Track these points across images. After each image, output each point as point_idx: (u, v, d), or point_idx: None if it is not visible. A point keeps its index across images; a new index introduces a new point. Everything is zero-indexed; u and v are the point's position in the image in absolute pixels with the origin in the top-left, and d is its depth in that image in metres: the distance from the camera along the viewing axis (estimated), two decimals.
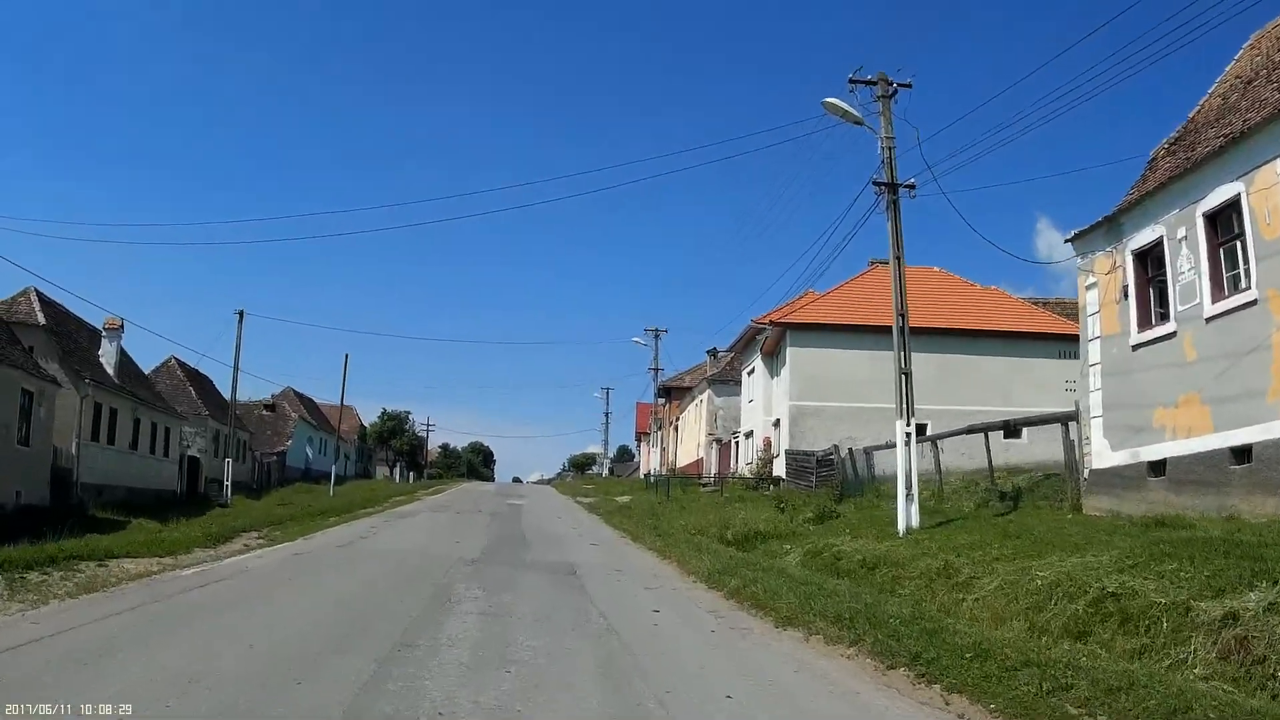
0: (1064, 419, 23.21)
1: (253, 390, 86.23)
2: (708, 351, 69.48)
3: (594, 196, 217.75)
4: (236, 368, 53.64)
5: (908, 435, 21.72)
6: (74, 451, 36.27)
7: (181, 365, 61.39)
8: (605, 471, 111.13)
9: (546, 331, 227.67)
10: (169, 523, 30.97)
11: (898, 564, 16.72)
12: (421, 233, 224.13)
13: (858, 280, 46.01)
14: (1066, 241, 22.94)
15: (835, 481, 33.84)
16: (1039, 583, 12.33)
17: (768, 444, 46.59)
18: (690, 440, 67.73)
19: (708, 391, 61.32)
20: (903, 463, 21.27)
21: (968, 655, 9.31)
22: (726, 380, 60.57)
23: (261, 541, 21.39)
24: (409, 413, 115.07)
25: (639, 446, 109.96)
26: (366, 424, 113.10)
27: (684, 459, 69.21)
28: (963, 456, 31.59)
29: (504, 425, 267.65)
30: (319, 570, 16.03)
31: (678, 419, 75.29)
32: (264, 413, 79.63)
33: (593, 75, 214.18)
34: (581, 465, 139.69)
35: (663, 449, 72.08)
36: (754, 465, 47.25)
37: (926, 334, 40.51)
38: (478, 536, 23.52)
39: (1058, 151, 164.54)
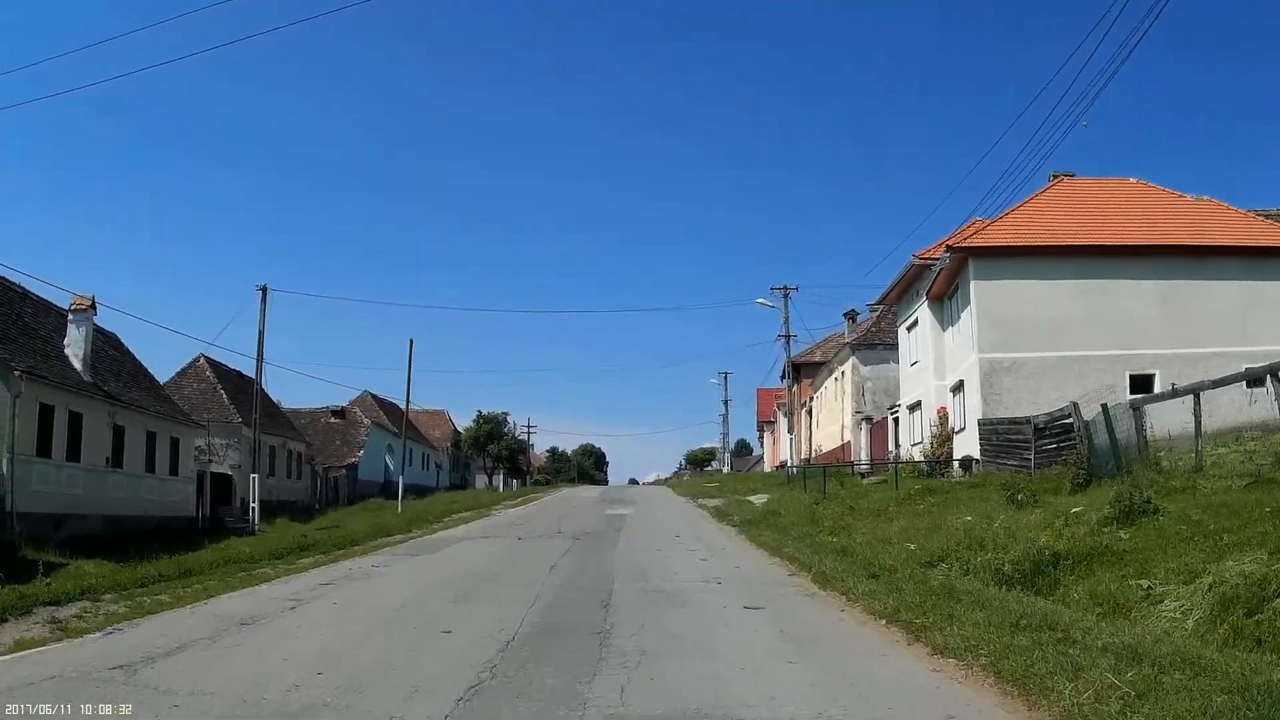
0: None
1: (329, 398, 76.51)
2: (845, 315, 57.87)
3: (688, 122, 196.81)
4: (260, 357, 43.55)
5: None
6: (3, 470, 26.31)
7: (213, 365, 51.65)
8: (725, 467, 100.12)
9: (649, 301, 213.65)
10: (138, 563, 20.89)
11: None
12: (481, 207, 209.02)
13: (1040, 198, 35.36)
14: None
15: (1078, 457, 22.27)
16: None
17: (944, 415, 35.15)
18: (830, 422, 55.99)
19: (851, 360, 49.52)
20: None
21: None
22: (874, 344, 48.89)
23: (48, 634, 10.59)
24: (507, 414, 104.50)
25: (761, 438, 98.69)
26: (462, 429, 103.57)
27: (822, 445, 57.59)
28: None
29: (615, 424, 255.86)
30: None
31: (811, 399, 63.66)
32: (332, 420, 70.15)
33: None
34: (699, 461, 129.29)
35: (793, 434, 60.00)
36: (926, 444, 35.79)
37: (1139, 253, 31.20)
38: (514, 601, 12.42)
39: None
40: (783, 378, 68.10)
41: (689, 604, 12.23)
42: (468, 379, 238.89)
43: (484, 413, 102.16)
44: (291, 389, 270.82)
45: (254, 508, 40.85)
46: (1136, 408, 21.46)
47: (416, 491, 67.45)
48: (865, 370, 48.83)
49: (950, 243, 32.35)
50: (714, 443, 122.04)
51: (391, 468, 73.63)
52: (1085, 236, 32.03)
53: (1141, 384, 29.02)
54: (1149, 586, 10.55)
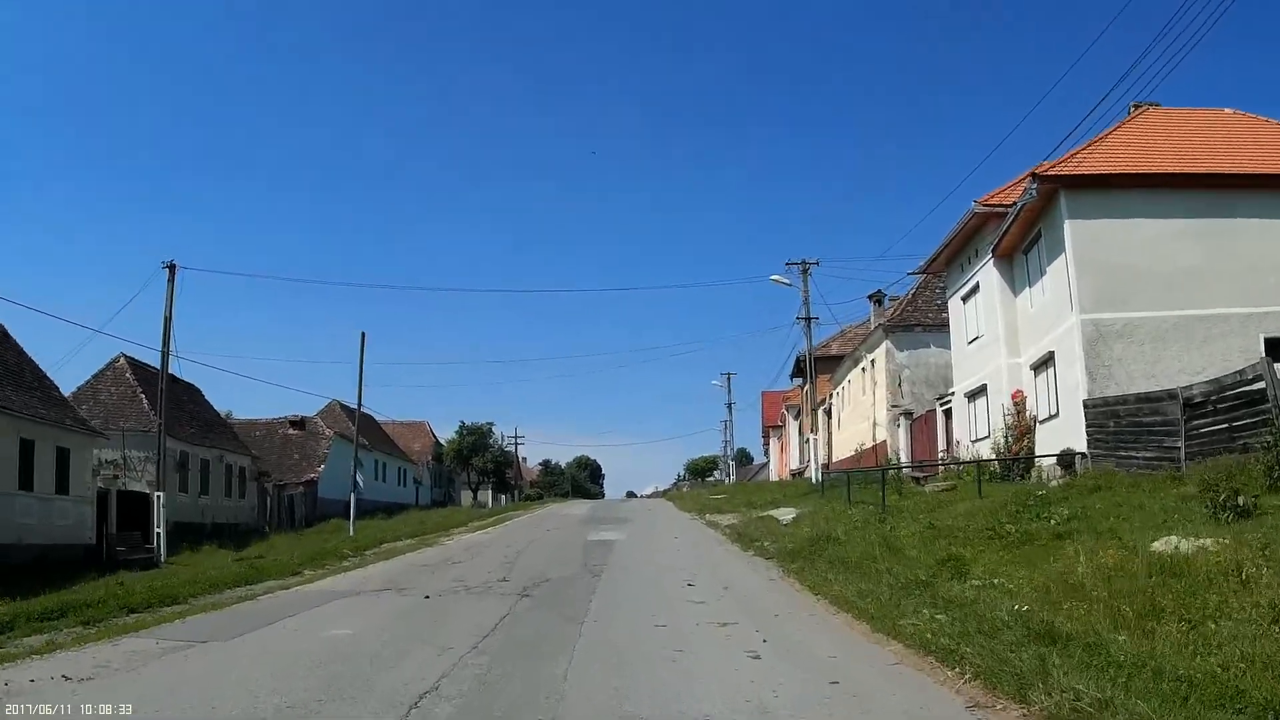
0: None
1: (288, 406, 69.12)
2: (870, 297, 49.88)
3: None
4: (166, 347, 35.25)
5: None
6: None
7: (135, 366, 43.91)
8: (729, 477, 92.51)
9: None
10: None
11: None
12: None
13: (1125, 128, 27.59)
14: None
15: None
16: None
17: (1020, 401, 27.51)
18: (856, 420, 48.10)
19: (884, 345, 41.73)
20: None
21: None
22: (911, 326, 41.12)
23: None
24: (492, 424, 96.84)
25: (766, 445, 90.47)
26: (444, 441, 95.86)
27: (847, 448, 49.75)
28: None
29: (610, 434, 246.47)
30: None
31: (829, 398, 55.85)
32: (290, 432, 62.28)
33: None
34: (700, 471, 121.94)
35: (814, 435, 51.60)
36: (998, 439, 28.16)
37: (1267, 185, 24.06)
38: None
39: None
40: (794, 375, 60.40)
41: None
42: (453, 391, 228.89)
43: (467, 423, 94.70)
44: (256, 400, 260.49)
45: (159, 533, 32.88)
46: None
47: (389, 510, 60.18)
48: (901, 356, 41.08)
49: (1037, 171, 24.72)
50: (715, 451, 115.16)
51: (360, 484, 66.08)
52: (1199, 166, 24.62)
53: (1278, 349, 21.88)
54: None
